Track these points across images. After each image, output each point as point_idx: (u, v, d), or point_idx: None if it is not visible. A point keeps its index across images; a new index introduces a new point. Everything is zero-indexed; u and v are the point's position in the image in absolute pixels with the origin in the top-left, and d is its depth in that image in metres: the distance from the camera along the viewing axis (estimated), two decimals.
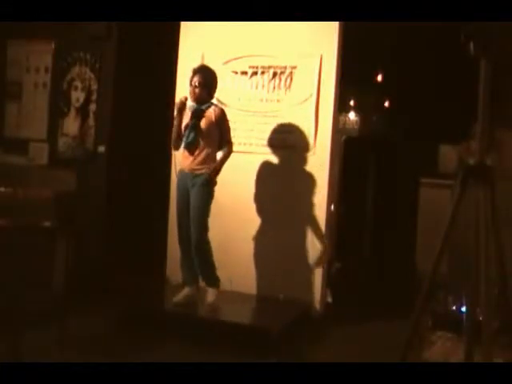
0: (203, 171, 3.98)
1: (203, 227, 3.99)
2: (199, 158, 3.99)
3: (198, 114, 3.99)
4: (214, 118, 4.01)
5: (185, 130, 4.01)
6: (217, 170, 4.00)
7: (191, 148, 3.99)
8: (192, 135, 3.98)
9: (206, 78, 4.03)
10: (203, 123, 3.98)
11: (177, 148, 4.11)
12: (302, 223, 4.42)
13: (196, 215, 3.98)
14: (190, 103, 4.05)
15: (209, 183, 3.99)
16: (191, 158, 4.01)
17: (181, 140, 4.04)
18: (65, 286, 3.78)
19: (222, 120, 4.05)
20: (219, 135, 4.06)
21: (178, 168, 4.11)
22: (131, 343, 3.66)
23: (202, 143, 3.99)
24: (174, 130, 4.06)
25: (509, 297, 1.92)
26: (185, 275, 4.13)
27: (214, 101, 4.15)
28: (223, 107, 4.20)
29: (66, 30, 4.84)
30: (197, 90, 4.00)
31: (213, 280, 4.07)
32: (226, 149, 4.07)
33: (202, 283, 4.14)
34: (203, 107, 4.02)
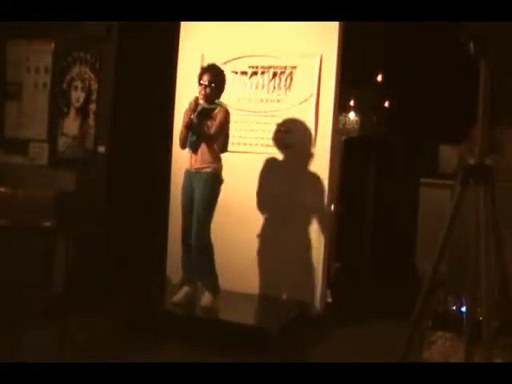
0: (208, 170, 3.99)
1: (206, 227, 3.98)
2: (203, 157, 3.99)
3: (203, 114, 3.98)
4: (217, 119, 4.01)
5: (188, 130, 4.01)
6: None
7: (194, 147, 4.00)
8: (195, 135, 3.99)
9: (217, 77, 4.03)
10: (208, 123, 3.98)
11: (184, 147, 4.10)
12: (302, 223, 4.41)
13: (200, 213, 3.98)
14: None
15: (213, 180, 4.00)
16: (195, 157, 4.01)
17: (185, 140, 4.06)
18: (65, 286, 3.78)
19: (224, 121, 4.04)
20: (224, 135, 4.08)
21: (185, 168, 4.11)
22: (131, 343, 3.66)
23: (204, 143, 3.99)
24: (183, 129, 4.05)
25: (509, 297, 1.92)
26: (185, 274, 4.12)
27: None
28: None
29: (66, 29, 4.84)
30: (207, 90, 3.99)
31: (212, 285, 4.03)
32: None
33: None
34: (208, 107, 4.02)
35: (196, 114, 3.99)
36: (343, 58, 4.37)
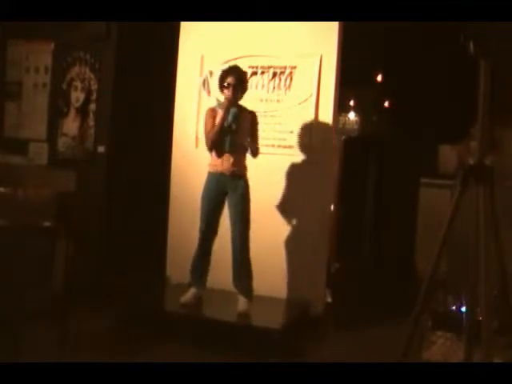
0: (243, 173, 4.03)
1: (248, 230, 4.04)
2: (237, 160, 4.00)
3: (235, 117, 3.95)
4: (249, 122, 4.02)
5: (222, 132, 3.96)
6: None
7: (232, 150, 3.98)
8: (232, 138, 3.96)
9: (241, 79, 4.00)
10: (241, 126, 3.97)
11: (214, 149, 4.01)
12: (302, 223, 4.42)
13: (244, 217, 4.02)
14: (219, 104, 4.06)
15: (247, 185, 4.04)
16: (231, 160, 3.98)
17: (219, 142, 4.00)
18: (65, 286, 3.77)
19: (255, 124, 4.07)
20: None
21: (212, 169, 4.04)
22: (131, 343, 3.66)
23: (238, 145, 3.99)
24: (217, 131, 3.95)
25: (509, 297, 1.92)
26: (195, 275, 4.13)
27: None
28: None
29: (66, 29, 4.84)
30: (234, 92, 3.94)
31: (249, 291, 4.06)
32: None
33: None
34: (238, 110, 3.99)
35: (229, 115, 3.94)
36: (343, 57, 4.37)
